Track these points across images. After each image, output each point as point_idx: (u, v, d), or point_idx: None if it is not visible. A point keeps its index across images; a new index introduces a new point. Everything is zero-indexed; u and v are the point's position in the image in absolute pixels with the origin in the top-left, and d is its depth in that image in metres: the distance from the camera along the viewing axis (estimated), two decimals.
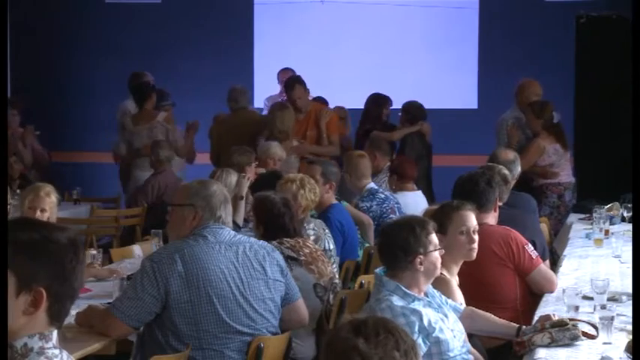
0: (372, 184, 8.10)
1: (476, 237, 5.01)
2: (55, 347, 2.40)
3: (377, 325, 2.43)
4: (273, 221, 5.62)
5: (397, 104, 10.71)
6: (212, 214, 4.66)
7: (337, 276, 6.18)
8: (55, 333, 2.41)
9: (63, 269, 2.38)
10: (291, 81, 10.23)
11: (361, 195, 8.00)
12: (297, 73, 11.06)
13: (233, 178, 7.48)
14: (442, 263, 4.59)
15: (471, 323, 4.73)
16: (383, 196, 7.98)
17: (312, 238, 6.16)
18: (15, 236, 2.36)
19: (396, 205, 7.93)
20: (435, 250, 4.41)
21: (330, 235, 6.42)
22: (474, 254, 5.02)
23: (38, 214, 5.96)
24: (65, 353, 2.43)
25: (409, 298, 4.34)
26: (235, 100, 10.44)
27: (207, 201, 4.68)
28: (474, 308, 4.86)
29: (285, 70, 11.70)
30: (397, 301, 4.31)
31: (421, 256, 4.36)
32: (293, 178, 6.56)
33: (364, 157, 8.29)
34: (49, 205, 6.04)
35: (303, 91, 10.01)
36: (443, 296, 4.62)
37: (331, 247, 6.35)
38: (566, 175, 9.36)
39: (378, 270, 4.52)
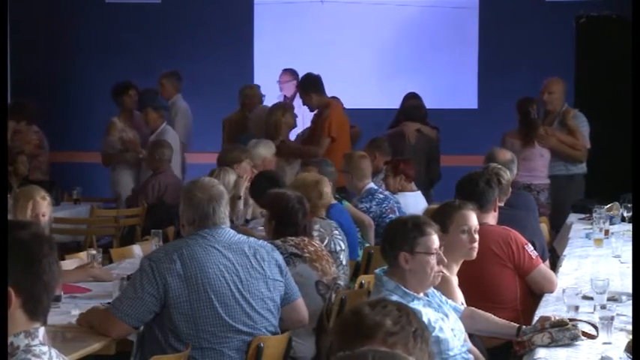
0: (371, 184, 8.11)
1: (476, 236, 5.02)
2: (42, 344, 2.40)
3: (390, 302, 2.52)
4: (286, 217, 5.63)
5: (397, 104, 10.70)
6: (192, 216, 4.66)
7: (346, 275, 6.21)
8: (41, 330, 2.42)
9: (30, 265, 2.39)
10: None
11: (360, 195, 8.01)
12: (298, 73, 11.09)
13: (231, 177, 7.48)
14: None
15: (471, 323, 4.73)
16: (382, 196, 7.99)
17: (316, 239, 6.15)
18: None
19: (395, 205, 7.94)
20: (426, 253, 4.36)
21: (339, 236, 6.39)
22: (475, 253, 5.03)
23: (41, 218, 5.95)
24: (54, 351, 2.44)
25: (408, 298, 4.34)
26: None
27: (186, 204, 4.69)
28: (474, 308, 4.86)
29: (285, 71, 11.71)
30: (397, 300, 4.31)
31: (406, 254, 4.36)
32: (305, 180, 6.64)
33: (366, 157, 8.30)
34: (48, 209, 6.03)
35: (305, 97, 9.98)
36: (443, 296, 4.62)
37: (341, 247, 6.31)
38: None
39: (378, 270, 4.53)
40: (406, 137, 9.89)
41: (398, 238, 4.41)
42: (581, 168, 9.66)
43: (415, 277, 4.39)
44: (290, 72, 11.56)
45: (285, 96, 11.45)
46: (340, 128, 9.82)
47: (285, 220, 5.62)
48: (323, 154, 9.25)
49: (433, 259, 4.38)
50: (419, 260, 4.37)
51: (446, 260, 4.47)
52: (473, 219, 5.05)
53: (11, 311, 2.37)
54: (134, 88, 10.67)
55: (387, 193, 8.14)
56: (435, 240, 4.40)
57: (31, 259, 2.40)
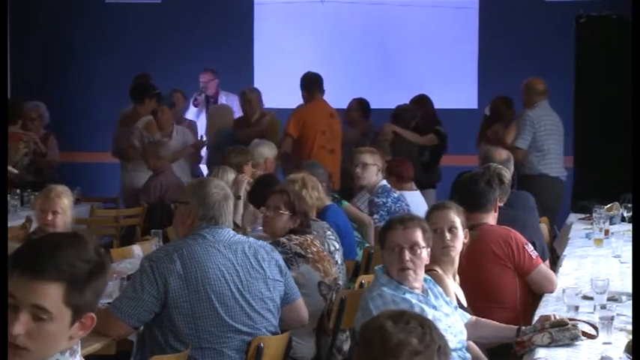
0: (384, 182, 8.20)
1: (448, 236, 4.95)
2: (81, 357, 2.42)
3: (412, 316, 2.47)
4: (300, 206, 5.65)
5: (396, 104, 10.70)
6: (206, 212, 4.65)
7: (342, 275, 6.20)
8: (79, 344, 2.43)
9: (101, 285, 2.42)
10: None
11: (376, 190, 8.07)
12: (298, 73, 11.08)
13: (230, 176, 7.49)
14: (434, 260, 4.64)
15: (474, 331, 4.71)
16: (396, 195, 8.16)
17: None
18: (72, 270, 2.34)
19: (406, 207, 8.01)
20: (387, 247, 4.41)
21: (332, 236, 6.39)
22: (450, 252, 4.93)
23: (50, 216, 5.88)
24: None
25: (400, 291, 4.35)
26: None
27: (201, 199, 4.67)
28: (479, 318, 4.84)
29: (205, 71, 11.69)
30: (388, 290, 4.33)
31: (382, 250, 4.47)
32: (294, 179, 6.60)
33: None
34: (61, 207, 5.94)
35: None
36: (448, 297, 4.61)
37: (335, 247, 6.31)
38: None
39: (377, 267, 4.54)
40: (396, 142, 10.08)
41: (381, 235, 4.53)
42: (550, 168, 9.60)
43: (391, 272, 4.40)
44: (210, 71, 11.61)
45: (207, 95, 11.46)
46: (302, 127, 9.94)
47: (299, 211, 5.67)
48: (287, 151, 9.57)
49: (394, 255, 4.38)
50: (386, 255, 4.44)
51: (407, 259, 4.38)
52: (443, 219, 4.96)
53: (82, 333, 2.39)
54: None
55: (399, 193, 8.22)
56: (399, 235, 4.39)
57: (104, 281, 2.44)
